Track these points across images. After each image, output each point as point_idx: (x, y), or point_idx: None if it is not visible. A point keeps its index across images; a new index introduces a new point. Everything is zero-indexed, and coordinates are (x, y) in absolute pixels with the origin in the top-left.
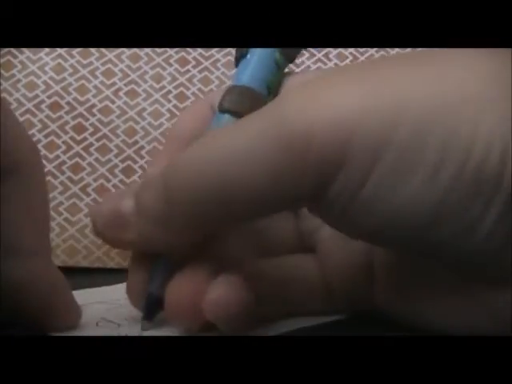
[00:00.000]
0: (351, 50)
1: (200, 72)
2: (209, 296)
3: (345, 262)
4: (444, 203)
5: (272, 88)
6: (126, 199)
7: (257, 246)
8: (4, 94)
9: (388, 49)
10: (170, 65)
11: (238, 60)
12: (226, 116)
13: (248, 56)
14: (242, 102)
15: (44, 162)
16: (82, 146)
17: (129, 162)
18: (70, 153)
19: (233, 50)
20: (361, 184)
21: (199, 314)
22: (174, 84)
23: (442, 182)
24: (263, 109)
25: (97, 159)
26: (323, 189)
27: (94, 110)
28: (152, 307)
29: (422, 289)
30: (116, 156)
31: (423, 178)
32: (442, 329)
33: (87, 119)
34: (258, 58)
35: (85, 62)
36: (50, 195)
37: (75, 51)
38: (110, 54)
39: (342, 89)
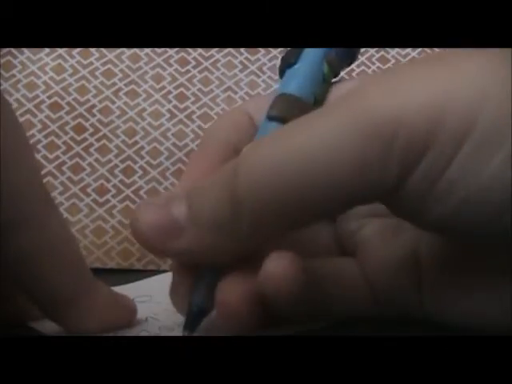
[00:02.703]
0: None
1: (200, 72)
2: (265, 269)
3: (387, 264)
4: None
5: (318, 99)
6: (176, 205)
7: (296, 249)
8: (4, 95)
9: (388, 49)
10: (170, 65)
11: (284, 68)
12: (274, 124)
13: (296, 65)
14: (291, 111)
15: (44, 162)
16: (82, 146)
17: (129, 163)
18: (70, 153)
19: (233, 50)
20: (444, 167)
21: (252, 313)
22: (174, 84)
23: None
24: (337, 103)
25: (97, 159)
26: (406, 176)
27: (94, 111)
28: (195, 318)
29: (473, 287)
30: (116, 156)
31: (505, 156)
32: (493, 329)
33: (87, 119)
34: (307, 68)
35: (85, 62)
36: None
37: (75, 51)
38: (110, 54)
39: (426, 74)
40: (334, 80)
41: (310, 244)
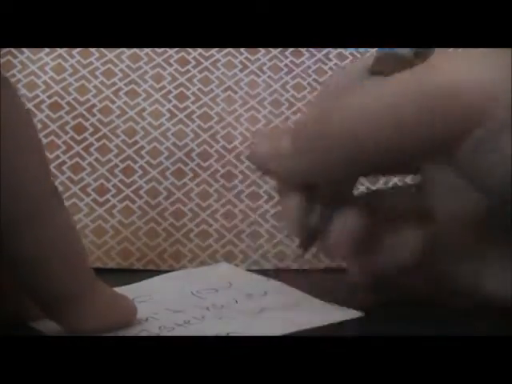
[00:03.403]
0: (351, 50)
1: (200, 72)
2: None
3: (462, 237)
4: None
5: (419, 54)
6: (284, 138)
7: (377, 209)
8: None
9: None
10: (170, 65)
11: None
12: (379, 77)
13: None
14: (392, 65)
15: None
16: (82, 146)
17: (129, 162)
18: (70, 153)
19: (233, 50)
20: (496, 140)
21: (360, 249)
22: (174, 84)
23: None
24: (414, 70)
25: (97, 159)
26: (464, 138)
27: (94, 110)
28: (311, 239)
29: None
30: (116, 156)
31: None
32: None
33: (87, 119)
34: None
35: (85, 62)
36: None
37: (75, 51)
38: (110, 54)
39: (485, 58)
40: None
41: (393, 209)
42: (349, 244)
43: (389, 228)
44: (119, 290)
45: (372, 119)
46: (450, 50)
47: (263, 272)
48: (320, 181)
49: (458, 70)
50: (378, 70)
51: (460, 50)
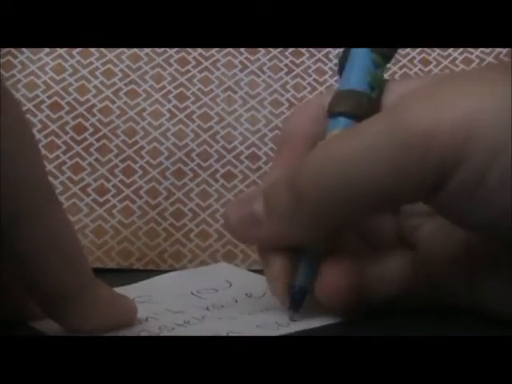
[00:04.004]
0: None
1: (200, 72)
2: (320, 280)
3: (445, 257)
4: None
5: (375, 86)
6: (256, 202)
7: (361, 239)
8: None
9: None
10: (170, 65)
11: (341, 67)
12: (341, 119)
13: (348, 62)
14: (350, 104)
15: (44, 162)
16: (82, 146)
17: (129, 162)
18: (70, 153)
19: (233, 50)
20: (479, 181)
21: (353, 295)
22: (174, 84)
23: None
24: (382, 113)
25: (97, 159)
26: (441, 186)
27: (94, 110)
28: (300, 298)
29: None
30: (116, 156)
31: None
32: None
33: (87, 119)
34: (356, 61)
35: (85, 62)
36: None
37: (75, 51)
38: (110, 54)
39: (459, 91)
40: (387, 65)
41: (375, 236)
42: (346, 287)
43: (375, 258)
44: (119, 290)
45: (346, 174)
46: (419, 88)
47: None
48: (300, 240)
49: (430, 114)
50: (338, 110)
51: (431, 86)
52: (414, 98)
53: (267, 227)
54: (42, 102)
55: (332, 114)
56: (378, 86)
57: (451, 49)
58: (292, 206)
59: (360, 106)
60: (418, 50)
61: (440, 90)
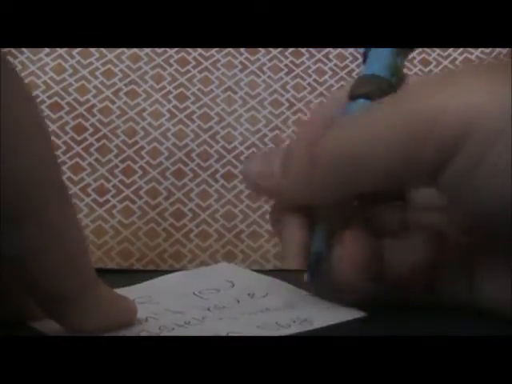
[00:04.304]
0: (351, 50)
1: (200, 72)
2: (336, 250)
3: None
4: None
5: (395, 73)
6: (276, 158)
7: (368, 226)
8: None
9: None
10: (170, 65)
11: (366, 54)
12: (360, 100)
13: (371, 49)
14: (371, 87)
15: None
16: (82, 146)
17: (129, 163)
18: (70, 153)
19: (233, 50)
20: (475, 166)
21: (369, 266)
22: (174, 84)
23: None
24: (393, 96)
25: (97, 159)
26: (440, 169)
27: (94, 111)
28: (317, 264)
29: None
30: (116, 156)
31: None
32: None
33: (87, 119)
34: (379, 49)
35: (85, 62)
36: None
37: (75, 52)
38: (110, 54)
39: (464, 85)
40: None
41: (385, 222)
42: (358, 265)
43: (389, 243)
44: (120, 291)
45: (361, 147)
46: (430, 75)
47: (263, 272)
48: (316, 202)
49: (437, 97)
50: (359, 92)
51: (439, 75)
52: (424, 86)
53: (283, 183)
54: (42, 102)
55: (353, 96)
56: (397, 73)
57: (451, 49)
58: (307, 167)
59: (380, 89)
60: (418, 49)
61: (449, 81)
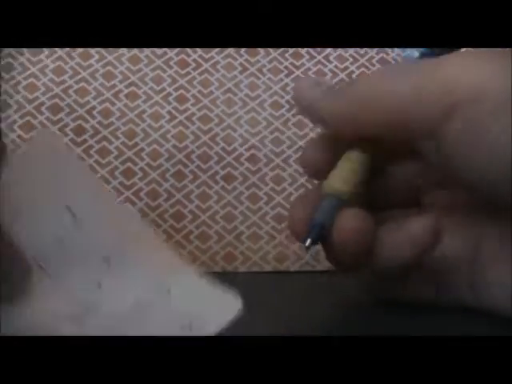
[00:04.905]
0: (351, 52)
1: (200, 74)
2: (337, 223)
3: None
4: None
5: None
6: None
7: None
8: (4, 96)
9: (388, 49)
10: (170, 67)
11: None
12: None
13: None
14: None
15: None
16: (82, 147)
17: (129, 164)
18: None
19: (232, 52)
20: (480, 132)
21: (367, 241)
22: (174, 86)
23: None
24: (424, 61)
25: (97, 161)
26: (445, 120)
27: (94, 112)
28: (318, 233)
29: None
30: (116, 158)
31: None
32: None
33: (87, 121)
34: None
35: (85, 64)
36: None
37: (75, 53)
38: (110, 56)
39: (478, 63)
40: None
41: (395, 198)
42: (358, 240)
43: (389, 222)
44: None
45: (393, 87)
46: (453, 54)
47: (264, 274)
48: (363, 131)
49: (455, 66)
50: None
51: (463, 54)
52: (446, 59)
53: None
54: (42, 103)
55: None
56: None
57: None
58: (343, 105)
59: None
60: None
61: (468, 57)
